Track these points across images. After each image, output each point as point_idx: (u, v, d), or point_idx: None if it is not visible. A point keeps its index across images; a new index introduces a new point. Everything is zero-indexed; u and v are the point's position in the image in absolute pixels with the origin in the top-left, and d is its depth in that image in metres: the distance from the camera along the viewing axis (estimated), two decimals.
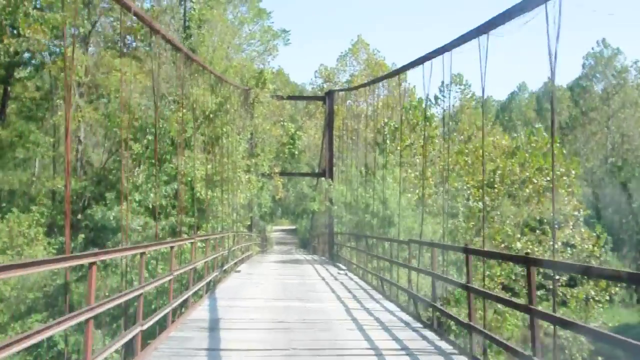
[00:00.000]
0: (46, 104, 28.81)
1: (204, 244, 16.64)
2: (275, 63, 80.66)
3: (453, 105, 33.94)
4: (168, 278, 9.75)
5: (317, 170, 40.58)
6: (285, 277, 18.19)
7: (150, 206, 21.80)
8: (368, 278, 17.13)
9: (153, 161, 23.66)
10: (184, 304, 10.78)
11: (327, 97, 34.62)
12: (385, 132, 27.48)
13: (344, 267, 21.21)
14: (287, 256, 35.07)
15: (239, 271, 19.41)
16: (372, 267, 20.01)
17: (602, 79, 54.83)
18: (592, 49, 54.73)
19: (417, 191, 25.45)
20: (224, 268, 16.87)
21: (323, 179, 30.28)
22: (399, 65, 24.73)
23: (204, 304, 11.52)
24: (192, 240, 11.50)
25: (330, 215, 32.50)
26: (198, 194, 23.07)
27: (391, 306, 11.58)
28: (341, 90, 36.21)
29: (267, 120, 30.35)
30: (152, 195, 20.53)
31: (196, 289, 11.86)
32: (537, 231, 27.46)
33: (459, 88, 31.21)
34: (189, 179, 23.10)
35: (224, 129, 25.42)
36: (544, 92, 59.36)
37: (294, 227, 67.75)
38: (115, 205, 19.72)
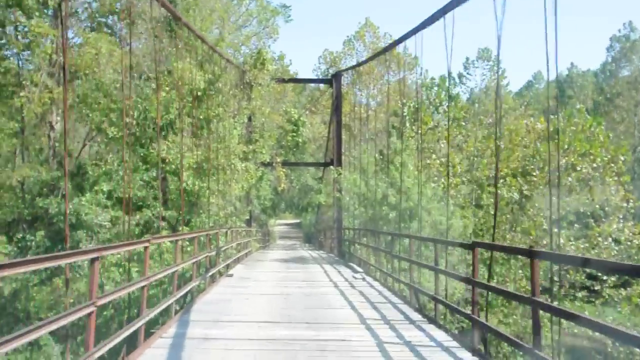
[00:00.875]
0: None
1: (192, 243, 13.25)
2: (276, 48, 76.53)
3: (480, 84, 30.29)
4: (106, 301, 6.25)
5: (323, 161, 37.06)
6: (288, 283, 14.66)
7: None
8: (392, 284, 13.64)
9: (134, 147, 20.23)
10: (135, 336, 7.25)
11: (334, 79, 31.07)
12: (404, 113, 23.82)
13: (359, 269, 17.68)
14: (291, 252, 31.58)
15: (231, 275, 15.92)
16: (392, 268, 16.52)
17: (629, 63, 50.88)
18: (619, 31, 50.78)
19: (441, 180, 21.87)
20: (210, 274, 13.35)
21: (331, 167, 26.69)
22: (410, 50, 21.42)
23: (167, 333, 8.00)
24: (145, 244, 7.93)
25: (339, 208, 28.97)
26: (185, 185, 19.53)
27: (440, 335, 8.04)
28: (349, 69, 32.60)
29: (267, 104, 26.76)
30: (122, 184, 17.02)
31: (158, 310, 8.36)
32: (576, 225, 23.93)
33: (487, 65, 27.45)
34: (173, 166, 19.62)
35: (216, 111, 21.89)
36: (566, 78, 55.59)
37: (298, 221, 64.39)
38: (76, 197, 16.19)
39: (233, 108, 23.73)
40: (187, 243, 16.18)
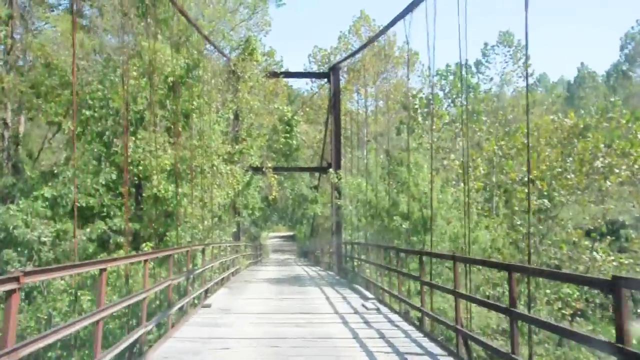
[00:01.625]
0: None
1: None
2: (267, 43, 72.89)
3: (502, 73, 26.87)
4: None
5: (319, 166, 33.62)
6: (282, 318, 11.13)
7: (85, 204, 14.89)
8: (421, 319, 10.22)
9: (98, 144, 16.75)
10: None
11: (332, 73, 27.84)
12: (416, 105, 20.45)
13: (370, 295, 14.20)
14: (284, 270, 28.05)
15: (208, 305, 12.38)
16: (408, 292, 13.18)
17: None
18: (632, 28, 47.93)
19: (461, 184, 18.52)
20: (173, 310, 9.83)
21: (330, 170, 23.22)
22: (411, 45, 18.22)
23: None
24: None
25: (338, 219, 25.53)
26: (155, 190, 16.09)
27: None
28: (346, 58, 29.27)
29: (255, 98, 23.32)
30: (72, 188, 13.55)
31: None
32: (607, 237, 20.65)
33: (508, 51, 24.27)
34: (141, 168, 16.18)
35: (195, 103, 18.48)
36: (578, 77, 52.64)
37: (291, 233, 60.84)
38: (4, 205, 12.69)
39: (216, 102, 20.30)
40: (152, 265, 12.73)
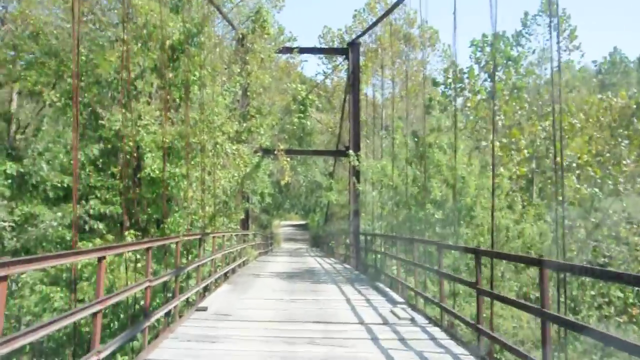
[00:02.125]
0: None
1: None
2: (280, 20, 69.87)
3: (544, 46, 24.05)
4: None
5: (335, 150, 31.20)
6: (293, 328, 8.83)
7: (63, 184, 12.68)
8: (465, 334, 7.90)
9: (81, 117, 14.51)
10: None
11: (351, 49, 25.34)
12: (449, 79, 17.92)
13: (399, 298, 11.87)
14: (296, 261, 25.86)
15: (204, 309, 10.12)
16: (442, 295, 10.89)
17: None
18: None
19: (500, 169, 16.04)
20: (145, 325, 7.53)
21: (350, 152, 20.78)
22: (432, 22, 15.77)
23: None
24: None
25: (357, 206, 23.20)
26: (149, 170, 13.87)
27: None
28: (366, 31, 26.72)
29: (266, 72, 20.92)
30: (43, 165, 11.31)
31: None
32: None
33: (551, 22, 21.61)
34: (131, 144, 13.98)
35: (197, 73, 16.16)
36: (609, 62, 49.51)
37: (304, 222, 58.61)
38: None
39: (221, 74, 17.96)
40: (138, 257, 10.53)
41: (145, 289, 7.22)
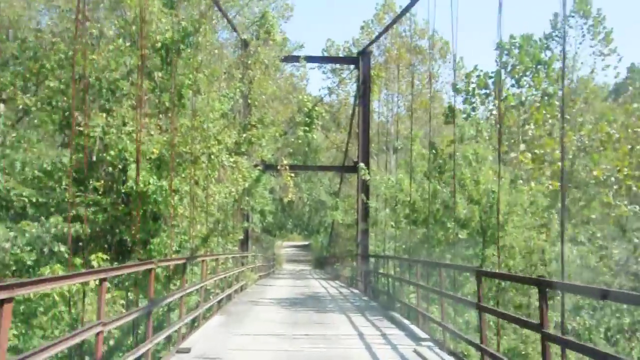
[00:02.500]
0: None
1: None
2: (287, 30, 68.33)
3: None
4: None
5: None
6: None
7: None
8: None
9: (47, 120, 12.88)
10: None
11: (361, 58, 23.78)
12: (472, 84, 16.20)
13: (422, 333, 9.96)
14: (299, 284, 23.98)
15: (185, 350, 8.22)
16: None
17: None
18: None
19: (531, 184, 14.20)
20: None
21: (360, 165, 18.97)
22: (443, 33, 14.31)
23: None
24: None
25: (366, 227, 21.38)
26: (132, 183, 12.15)
27: None
28: (374, 40, 25.14)
29: (268, 79, 19.30)
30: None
31: None
32: None
33: (585, 24, 19.54)
34: (113, 153, 12.30)
35: (191, 77, 14.53)
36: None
37: (307, 242, 56.73)
38: None
39: (220, 79, 16.32)
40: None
41: (97, 334, 5.35)
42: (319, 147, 41.07)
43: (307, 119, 23.57)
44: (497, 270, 12.48)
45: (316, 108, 22.80)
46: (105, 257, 9.94)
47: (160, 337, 7.46)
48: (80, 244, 12.75)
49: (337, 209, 32.95)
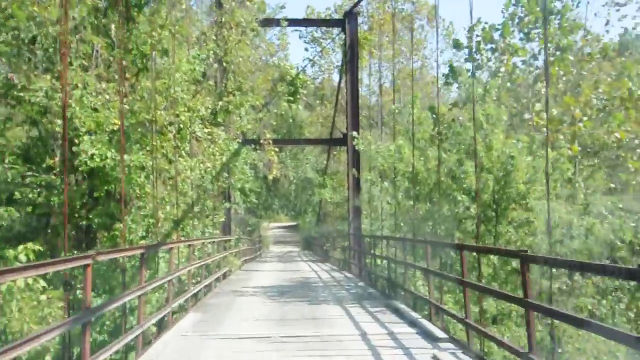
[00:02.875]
0: None
1: None
2: None
3: None
4: None
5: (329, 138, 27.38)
6: None
7: None
8: None
9: None
10: None
11: (348, 19, 21.69)
12: (478, 37, 14.24)
13: (439, 332, 8.20)
14: (287, 268, 22.34)
15: None
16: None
17: None
18: None
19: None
20: None
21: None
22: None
23: None
24: None
25: (358, 204, 19.61)
26: (84, 156, 10.16)
27: None
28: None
29: (246, 39, 17.19)
30: None
31: None
32: None
33: None
34: (60, 122, 10.32)
35: (155, 34, 12.46)
36: None
37: (294, 223, 54.95)
38: None
39: (189, 38, 14.20)
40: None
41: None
42: (303, 123, 39.03)
43: (290, 87, 21.41)
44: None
45: (300, 76, 20.68)
46: (38, 248, 7.97)
47: (104, 356, 5.55)
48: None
49: (325, 186, 31.15)
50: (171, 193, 11.94)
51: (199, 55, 13.62)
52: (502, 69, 13.44)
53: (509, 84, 13.09)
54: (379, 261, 15.06)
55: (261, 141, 20.37)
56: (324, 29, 32.40)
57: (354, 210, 20.74)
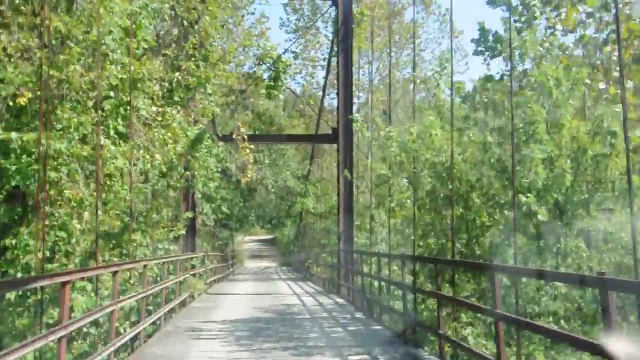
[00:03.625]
0: None
1: None
2: None
3: None
4: None
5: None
6: None
7: None
8: None
9: None
10: None
11: None
12: None
13: None
14: (264, 290, 18.75)
15: None
16: None
17: None
18: None
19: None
20: None
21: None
22: None
23: None
24: None
25: (348, 213, 16.00)
26: None
27: None
28: None
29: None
30: None
31: None
32: None
33: None
34: None
35: None
36: None
37: (271, 236, 51.14)
38: None
39: None
40: None
41: None
42: (284, 125, 35.28)
43: (272, 71, 17.54)
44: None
45: (283, 59, 17.04)
46: None
47: None
48: None
49: (308, 195, 27.49)
50: (93, 193, 8.08)
51: (147, 4, 9.83)
52: (559, 26, 9.98)
53: (572, 44, 9.69)
54: (378, 284, 11.44)
55: (234, 136, 16.66)
56: (310, 15, 28.86)
57: (345, 220, 17.08)
